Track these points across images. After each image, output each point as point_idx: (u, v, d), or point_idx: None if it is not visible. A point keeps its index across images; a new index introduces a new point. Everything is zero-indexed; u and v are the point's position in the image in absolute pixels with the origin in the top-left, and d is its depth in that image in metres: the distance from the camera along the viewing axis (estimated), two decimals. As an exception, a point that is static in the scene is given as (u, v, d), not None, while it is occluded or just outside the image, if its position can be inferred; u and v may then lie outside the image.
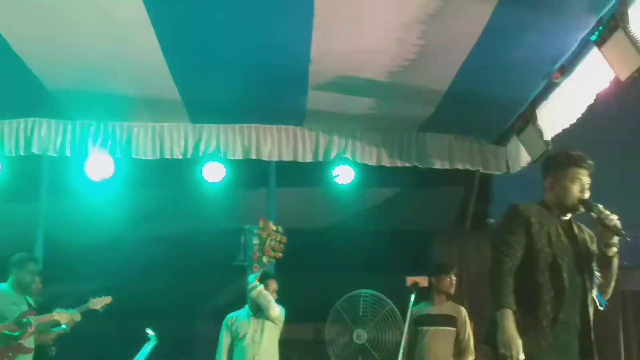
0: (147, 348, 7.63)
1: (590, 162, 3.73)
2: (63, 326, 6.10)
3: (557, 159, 3.81)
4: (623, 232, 3.56)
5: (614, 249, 3.62)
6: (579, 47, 5.41)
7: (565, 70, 5.73)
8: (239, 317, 6.46)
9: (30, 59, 5.91)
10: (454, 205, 8.51)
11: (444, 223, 8.51)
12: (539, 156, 6.48)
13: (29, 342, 5.94)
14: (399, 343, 6.59)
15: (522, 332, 3.39)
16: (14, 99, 6.74)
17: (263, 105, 7.04)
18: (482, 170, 7.73)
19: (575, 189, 3.68)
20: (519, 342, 3.34)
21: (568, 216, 3.77)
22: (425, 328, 6.53)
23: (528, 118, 6.56)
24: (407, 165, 7.60)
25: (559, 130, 6.13)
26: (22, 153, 7.24)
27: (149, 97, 6.78)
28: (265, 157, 7.49)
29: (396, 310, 7.29)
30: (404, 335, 6.34)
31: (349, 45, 5.74)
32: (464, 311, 6.61)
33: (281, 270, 7.43)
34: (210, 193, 7.98)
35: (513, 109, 6.77)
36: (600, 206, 3.62)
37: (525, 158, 6.95)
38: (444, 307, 6.59)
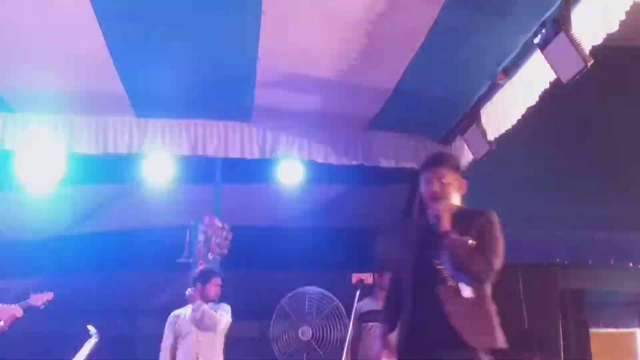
0: (89, 345, 7.51)
1: (433, 165, 3.95)
2: None
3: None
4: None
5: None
6: (523, 49, 5.50)
7: (509, 71, 5.82)
8: (182, 315, 6.41)
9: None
10: (400, 203, 8.57)
11: (390, 220, 8.56)
12: (482, 155, 6.57)
13: None
14: (344, 340, 6.63)
15: None
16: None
17: (210, 100, 6.98)
18: (427, 169, 7.80)
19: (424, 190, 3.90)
20: None
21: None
22: (371, 324, 6.65)
23: (472, 118, 6.65)
24: (354, 163, 7.63)
25: (502, 130, 6.23)
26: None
27: (93, 91, 6.66)
28: (211, 153, 7.43)
29: (341, 307, 7.33)
30: (349, 331, 6.39)
31: (297, 44, 5.74)
32: None
33: (227, 267, 7.41)
34: (155, 189, 7.89)
35: (458, 109, 6.85)
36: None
37: (468, 157, 7.04)
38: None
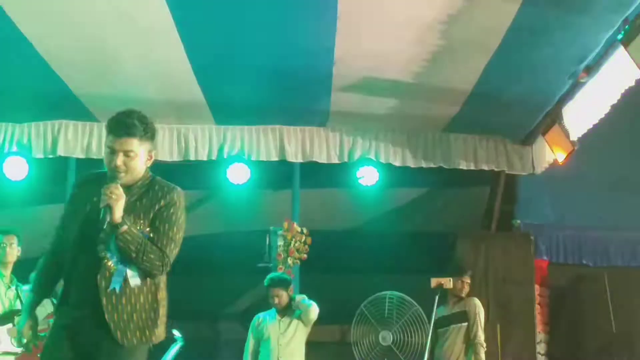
0: (173, 349, 7.67)
1: (124, 134, 3.28)
2: None
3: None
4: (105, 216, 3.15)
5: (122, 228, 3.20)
6: (605, 47, 5.35)
7: (591, 69, 5.67)
8: (265, 318, 6.48)
9: (55, 63, 5.97)
10: (479, 206, 8.44)
11: (469, 224, 8.45)
12: (565, 157, 6.42)
13: None
14: (424, 344, 6.58)
15: None
16: (39, 101, 6.81)
17: (287, 106, 7.04)
18: (507, 171, 7.69)
19: (107, 158, 3.28)
20: None
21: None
22: (443, 330, 6.64)
23: (554, 118, 6.50)
24: (432, 166, 7.57)
25: (584, 129, 6.07)
26: (49, 155, 7.31)
27: (174, 100, 6.81)
28: (289, 159, 7.49)
29: (422, 312, 7.27)
30: (429, 336, 6.36)
31: (373, 47, 5.73)
32: (474, 304, 6.64)
33: (306, 271, 7.44)
34: (235, 195, 8.00)
35: (539, 109, 6.71)
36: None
37: (549, 158, 6.90)
38: (457, 306, 6.69)
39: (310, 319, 6.29)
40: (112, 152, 3.26)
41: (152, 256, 3.22)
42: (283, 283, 6.44)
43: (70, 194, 3.41)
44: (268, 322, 6.43)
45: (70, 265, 3.26)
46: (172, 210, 3.34)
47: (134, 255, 3.20)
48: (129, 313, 3.22)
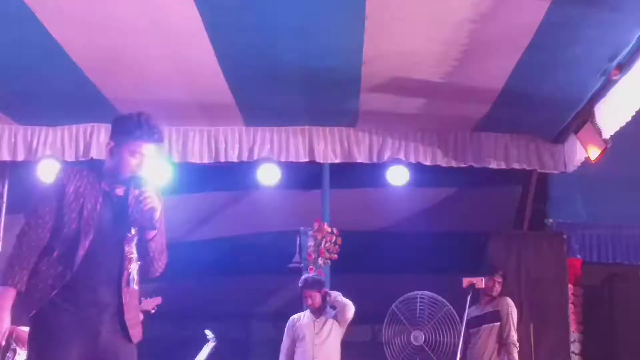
0: (206, 349, 7.72)
1: (151, 139, 3.38)
2: None
3: (124, 123, 3.43)
4: (155, 220, 3.22)
5: (151, 232, 3.33)
6: (638, 44, 5.28)
7: (624, 67, 5.60)
8: (301, 319, 6.52)
9: (87, 67, 6.04)
10: (511, 206, 8.39)
11: (501, 224, 8.41)
12: (598, 155, 6.35)
13: None
14: (456, 344, 6.56)
15: None
16: (72, 105, 6.90)
17: (316, 107, 7.05)
18: (539, 170, 7.63)
19: (133, 162, 3.34)
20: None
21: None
22: (474, 329, 6.64)
23: (586, 116, 6.43)
24: (463, 165, 7.52)
25: (617, 127, 6.00)
26: (81, 158, 7.40)
27: (204, 102, 6.86)
28: (318, 159, 7.51)
29: (454, 311, 7.24)
30: (461, 336, 6.34)
31: (402, 46, 5.72)
32: (506, 303, 6.62)
33: (336, 271, 7.45)
34: (265, 195, 8.03)
35: (570, 107, 6.65)
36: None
37: (581, 156, 6.83)
38: (489, 306, 6.71)
39: (346, 318, 6.31)
40: (137, 155, 3.32)
41: (164, 260, 3.39)
42: (316, 285, 6.46)
43: (54, 190, 3.32)
44: (303, 323, 6.46)
45: (74, 263, 3.20)
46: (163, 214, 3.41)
47: (157, 256, 3.32)
48: (137, 311, 3.34)
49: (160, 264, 3.39)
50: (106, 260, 3.25)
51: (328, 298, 6.39)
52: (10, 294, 3.17)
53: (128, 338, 3.26)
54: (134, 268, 3.28)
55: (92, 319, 3.20)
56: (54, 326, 3.17)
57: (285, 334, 6.54)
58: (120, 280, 3.25)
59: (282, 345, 6.55)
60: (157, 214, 3.24)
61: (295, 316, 6.59)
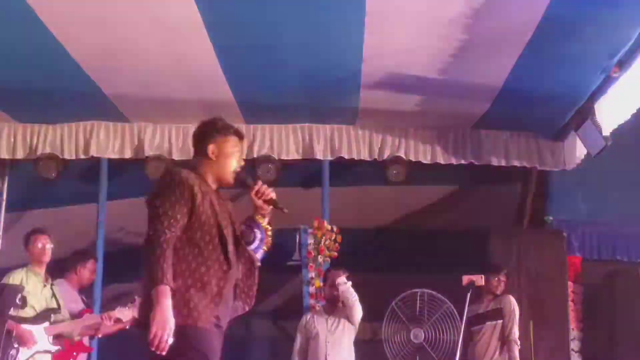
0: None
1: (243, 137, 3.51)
2: None
3: (219, 124, 3.43)
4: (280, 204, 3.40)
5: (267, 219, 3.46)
6: (638, 41, 5.28)
7: (624, 64, 5.60)
8: (314, 317, 6.52)
9: (87, 65, 6.04)
10: (511, 203, 8.39)
11: (501, 221, 8.40)
12: (598, 152, 6.35)
13: (86, 340, 6.07)
14: (456, 342, 6.57)
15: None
16: (72, 103, 6.89)
17: (316, 104, 7.05)
18: (539, 167, 7.63)
19: (235, 162, 3.41)
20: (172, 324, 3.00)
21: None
22: (477, 327, 6.65)
23: (586, 113, 6.43)
24: (463, 162, 7.53)
25: (617, 124, 6.00)
26: (81, 156, 7.39)
27: (203, 99, 6.85)
28: (318, 157, 7.50)
29: (453, 309, 7.24)
30: (461, 334, 6.34)
31: (402, 43, 5.72)
32: (509, 301, 6.64)
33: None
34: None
35: (570, 104, 6.64)
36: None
37: (579, 154, 6.83)
38: (492, 303, 6.70)
39: (355, 319, 6.30)
40: (236, 153, 3.41)
41: None
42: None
43: (183, 183, 3.22)
44: (316, 320, 6.46)
45: (209, 258, 3.20)
46: None
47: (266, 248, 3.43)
48: None
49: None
50: (233, 256, 3.32)
51: (338, 289, 6.32)
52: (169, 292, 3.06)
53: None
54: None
55: (223, 316, 3.29)
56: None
57: (297, 332, 6.55)
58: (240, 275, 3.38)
59: (294, 344, 6.55)
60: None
61: (308, 314, 6.62)
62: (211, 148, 3.36)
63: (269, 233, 3.50)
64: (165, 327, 2.96)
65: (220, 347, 3.24)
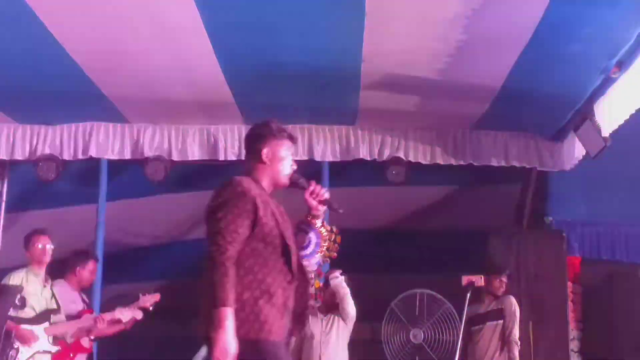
0: (206, 348, 7.71)
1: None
2: None
3: (274, 128, 3.37)
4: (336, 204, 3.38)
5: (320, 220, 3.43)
6: (637, 41, 5.28)
7: (623, 64, 5.60)
8: (308, 317, 6.50)
9: (86, 65, 6.04)
10: (510, 204, 8.39)
11: (500, 221, 8.40)
12: (597, 153, 6.35)
13: (85, 341, 6.07)
14: (456, 342, 6.57)
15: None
16: (72, 104, 6.89)
17: (316, 105, 7.05)
18: (538, 168, 7.63)
19: (289, 165, 3.37)
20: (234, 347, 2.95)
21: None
22: (477, 327, 6.65)
23: (585, 114, 6.43)
24: (462, 163, 7.54)
25: (616, 125, 6.00)
26: (80, 157, 7.39)
27: (203, 100, 6.86)
28: (318, 158, 7.50)
29: (453, 309, 7.24)
30: (461, 334, 6.35)
31: (401, 44, 5.72)
32: (510, 302, 6.65)
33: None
34: (264, 194, 8.00)
35: (570, 105, 6.65)
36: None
37: (579, 154, 6.84)
38: (492, 304, 6.72)
39: (347, 312, 6.26)
40: (289, 157, 3.38)
41: None
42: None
43: (244, 195, 3.16)
44: (311, 321, 6.44)
45: (274, 269, 3.16)
46: None
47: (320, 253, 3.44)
48: None
49: None
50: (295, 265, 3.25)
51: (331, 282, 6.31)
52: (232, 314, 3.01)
53: None
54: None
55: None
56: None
57: None
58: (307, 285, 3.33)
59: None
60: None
61: None
62: (265, 152, 3.32)
63: (325, 235, 3.48)
64: (228, 352, 2.94)
65: None
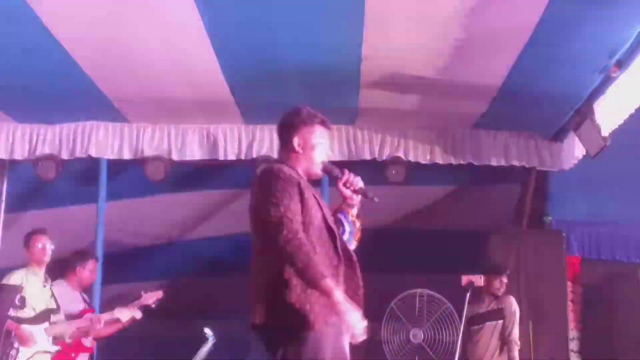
0: (205, 348, 7.71)
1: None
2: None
3: (303, 114, 3.39)
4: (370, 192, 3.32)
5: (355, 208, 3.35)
6: (637, 40, 5.28)
7: (623, 64, 5.59)
8: None
9: (86, 65, 6.03)
10: (510, 203, 8.38)
11: (500, 221, 8.40)
12: (597, 152, 6.35)
13: (87, 341, 6.07)
14: (456, 342, 6.57)
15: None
16: (71, 103, 6.89)
17: (315, 104, 6.98)
18: (538, 167, 7.63)
19: (323, 152, 3.32)
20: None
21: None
22: (477, 327, 6.66)
23: (585, 113, 6.43)
24: (462, 162, 7.53)
25: (616, 124, 6.00)
26: (80, 156, 7.39)
27: (202, 99, 6.85)
28: (318, 157, 7.48)
29: (453, 309, 7.24)
30: (461, 334, 6.35)
31: (401, 43, 5.71)
32: (510, 302, 6.67)
33: (336, 269, 7.43)
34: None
35: (569, 104, 6.64)
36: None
37: (579, 154, 6.84)
38: (492, 304, 6.72)
39: None
40: (323, 145, 3.31)
41: None
42: None
43: (292, 180, 3.16)
44: None
45: (321, 254, 3.10)
46: None
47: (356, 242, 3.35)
48: None
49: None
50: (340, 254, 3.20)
51: None
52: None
53: None
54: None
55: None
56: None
57: None
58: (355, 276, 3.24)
59: None
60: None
61: None
62: (296, 140, 3.28)
63: (358, 225, 3.40)
64: (353, 314, 2.96)
65: (346, 346, 3.17)
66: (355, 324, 2.99)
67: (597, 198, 7.74)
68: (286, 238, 2.97)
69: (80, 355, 6.05)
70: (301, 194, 3.10)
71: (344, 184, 3.33)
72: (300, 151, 3.28)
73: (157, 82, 6.41)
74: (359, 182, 3.32)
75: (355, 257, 3.27)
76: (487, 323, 6.67)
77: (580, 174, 7.39)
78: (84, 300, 6.29)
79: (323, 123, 3.35)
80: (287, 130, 3.35)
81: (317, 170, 3.31)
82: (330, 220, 3.21)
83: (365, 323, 3.01)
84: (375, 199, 3.33)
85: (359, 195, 3.35)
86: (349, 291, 3.15)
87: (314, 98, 6.81)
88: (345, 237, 3.32)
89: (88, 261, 6.36)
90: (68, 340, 5.86)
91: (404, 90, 6.60)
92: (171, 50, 5.85)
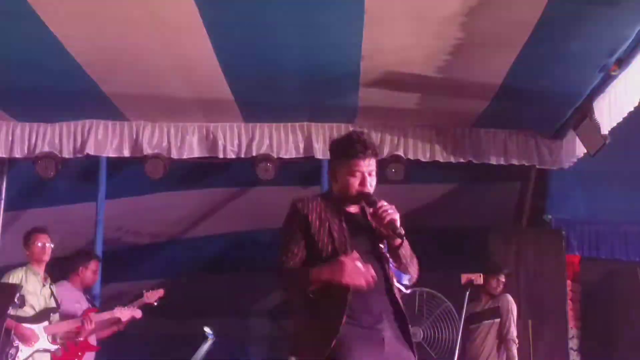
0: (205, 346, 7.71)
1: (368, 149, 3.40)
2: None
3: (334, 148, 3.47)
4: (399, 229, 3.27)
5: (398, 240, 3.33)
6: (637, 39, 5.28)
7: (623, 62, 5.59)
8: None
9: (86, 63, 6.03)
10: (510, 202, 8.39)
11: (500, 220, 8.40)
12: (596, 150, 6.35)
13: (93, 339, 6.08)
14: (455, 341, 6.57)
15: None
16: (71, 101, 6.88)
17: (315, 103, 7.05)
18: (538, 166, 7.63)
19: (355, 182, 3.36)
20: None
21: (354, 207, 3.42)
22: (474, 326, 6.69)
23: (585, 112, 6.42)
24: (462, 161, 7.53)
25: (616, 123, 6.00)
26: (79, 154, 7.38)
27: (202, 98, 6.85)
28: (317, 155, 7.50)
29: (452, 308, 7.24)
30: (460, 333, 6.35)
31: (400, 41, 5.71)
32: (506, 300, 6.68)
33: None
34: (264, 192, 8.01)
35: (569, 103, 6.65)
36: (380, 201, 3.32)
37: (578, 152, 6.83)
38: (489, 302, 6.76)
39: None
40: (357, 174, 3.37)
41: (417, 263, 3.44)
42: None
43: (296, 216, 3.32)
44: None
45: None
46: None
47: (410, 261, 3.39)
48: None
49: (414, 268, 3.45)
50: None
51: None
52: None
53: (410, 343, 3.32)
54: (392, 276, 3.35)
55: (372, 328, 3.24)
56: (347, 340, 3.16)
57: None
58: (384, 288, 3.30)
59: None
60: (398, 223, 3.28)
61: None
62: (331, 172, 3.46)
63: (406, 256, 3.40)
64: (343, 272, 3.09)
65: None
66: (350, 277, 3.09)
67: (596, 196, 7.74)
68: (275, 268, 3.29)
69: (87, 354, 6.06)
70: (308, 227, 3.28)
71: (372, 216, 3.37)
72: (334, 181, 3.44)
73: (157, 80, 6.41)
74: (389, 216, 3.29)
75: (394, 285, 3.36)
76: (484, 322, 6.68)
77: (579, 173, 7.39)
78: (88, 300, 6.30)
79: (350, 155, 3.37)
80: (330, 158, 3.53)
81: (350, 199, 3.40)
82: (350, 251, 3.22)
83: (360, 265, 3.10)
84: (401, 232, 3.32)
85: (389, 229, 3.32)
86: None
87: (313, 96, 6.84)
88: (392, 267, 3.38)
89: (90, 262, 6.37)
90: (60, 341, 5.86)
91: (403, 88, 6.60)
92: (171, 48, 5.84)
